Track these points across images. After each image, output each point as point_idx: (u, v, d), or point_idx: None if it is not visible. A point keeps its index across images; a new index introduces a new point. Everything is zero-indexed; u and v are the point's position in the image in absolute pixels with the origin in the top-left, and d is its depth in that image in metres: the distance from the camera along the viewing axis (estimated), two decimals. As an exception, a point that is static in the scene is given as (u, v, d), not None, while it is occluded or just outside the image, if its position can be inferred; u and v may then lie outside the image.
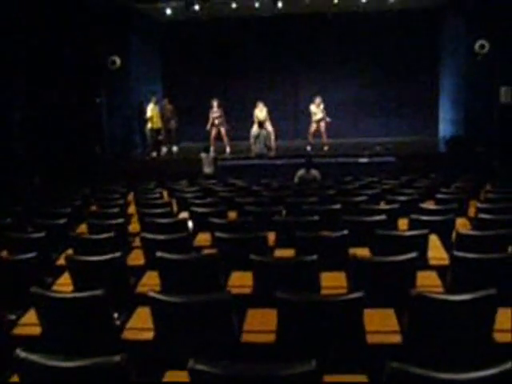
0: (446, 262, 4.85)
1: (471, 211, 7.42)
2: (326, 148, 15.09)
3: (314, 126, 15.04)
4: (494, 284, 3.36)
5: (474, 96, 14.56)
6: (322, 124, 14.97)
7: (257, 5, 14.70)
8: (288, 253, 5.40)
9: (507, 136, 13.87)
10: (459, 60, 15.24)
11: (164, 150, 16.06)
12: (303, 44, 17.42)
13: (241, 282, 4.60)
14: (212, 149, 12.99)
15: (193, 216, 7.27)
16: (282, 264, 4.52)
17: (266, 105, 14.98)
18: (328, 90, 16.75)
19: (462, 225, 6.67)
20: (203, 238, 6.36)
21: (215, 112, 14.92)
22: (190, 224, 7.04)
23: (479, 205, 7.20)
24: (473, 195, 8.32)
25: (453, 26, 15.61)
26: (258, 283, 4.38)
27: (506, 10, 13.39)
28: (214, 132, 15.05)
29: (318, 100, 14.87)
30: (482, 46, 14.28)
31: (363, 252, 5.27)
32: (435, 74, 17.07)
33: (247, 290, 4.42)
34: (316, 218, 6.18)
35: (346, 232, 5.21)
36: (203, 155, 12.67)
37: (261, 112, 14.83)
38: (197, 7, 14.35)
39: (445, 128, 16.59)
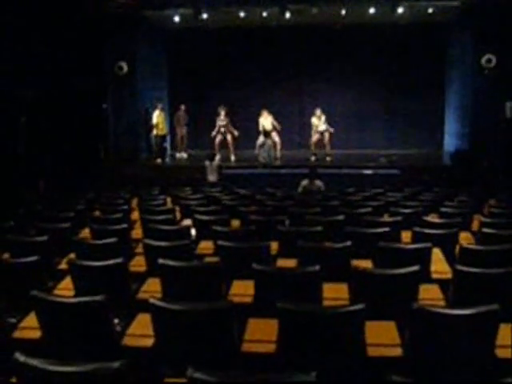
0: (449, 275, 4.83)
1: (475, 225, 7.38)
2: (328, 159, 15.11)
3: (316, 137, 15.08)
4: (497, 299, 3.34)
5: (479, 110, 14.58)
6: (326, 135, 15.01)
7: (265, 14, 14.75)
8: (290, 263, 5.37)
9: (512, 151, 13.87)
10: (466, 74, 15.26)
11: (183, 155, 16.36)
12: (310, 55, 17.46)
13: (242, 291, 4.58)
14: (218, 157, 12.97)
15: (196, 223, 7.27)
16: (284, 274, 4.50)
17: (270, 112, 15.00)
18: (334, 101, 16.85)
19: (465, 239, 6.64)
20: (206, 246, 6.35)
21: (222, 120, 14.96)
22: (193, 231, 7.03)
23: (483, 219, 7.17)
24: (477, 209, 8.29)
25: (460, 40, 15.64)
26: (259, 293, 4.37)
27: (513, 24, 13.43)
28: (218, 139, 15.07)
29: (318, 112, 14.98)
30: (489, 61, 14.30)
31: (366, 264, 5.25)
32: (441, 88, 17.08)
33: (248, 300, 4.40)
34: (319, 228, 6.17)
35: (348, 243, 5.20)
36: (207, 163, 12.68)
37: (265, 120, 14.85)
38: (205, 15, 14.41)
39: (450, 141, 16.59)
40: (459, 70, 15.87)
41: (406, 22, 15.56)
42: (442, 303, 4.34)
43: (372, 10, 14.20)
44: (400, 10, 13.89)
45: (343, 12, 14.56)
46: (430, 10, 14.44)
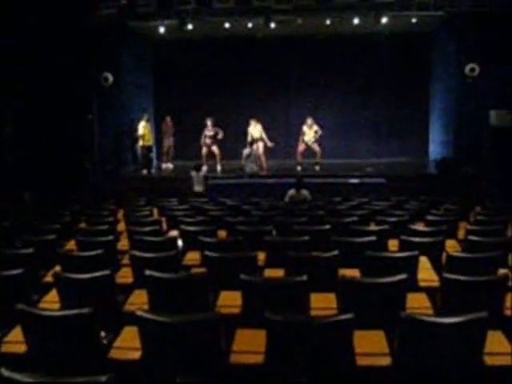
0: (436, 283, 4.84)
1: (461, 233, 7.42)
2: (317, 168, 15.07)
3: (302, 147, 15.03)
4: (484, 306, 3.35)
5: (464, 118, 14.70)
6: (315, 146, 14.93)
7: (250, 25, 14.81)
8: (278, 273, 5.36)
9: (497, 158, 13.95)
10: (450, 83, 15.40)
11: (169, 166, 16.42)
12: (296, 65, 17.54)
13: (230, 301, 4.56)
14: (204, 168, 12.97)
15: (182, 234, 7.24)
16: (271, 284, 4.49)
17: (259, 121, 14.99)
18: (319, 111, 16.88)
19: (451, 247, 6.67)
20: (193, 257, 6.32)
21: (209, 131, 14.95)
22: (180, 242, 7.00)
23: (469, 227, 7.22)
24: (462, 217, 8.34)
25: (443, 49, 15.77)
26: (247, 303, 4.35)
27: (496, 34, 13.56)
28: (205, 150, 15.06)
29: (309, 121, 14.87)
30: (473, 70, 14.42)
31: (353, 273, 5.25)
32: (426, 96, 17.23)
33: (236, 310, 4.38)
34: (306, 238, 6.15)
35: (335, 253, 5.19)
36: (193, 173, 12.66)
37: (254, 128, 14.85)
38: (190, 26, 14.43)
39: (435, 150, 16.70)
40: (443, 78, 16.01)
41: (390, 31, 15.70)
42: (430, 311, 4.35)
43: (356, 21, 14.29)
44: (384, 20, 13.99)
45: (328, 22, 14.66)
46: (414, 20, 14.56)
